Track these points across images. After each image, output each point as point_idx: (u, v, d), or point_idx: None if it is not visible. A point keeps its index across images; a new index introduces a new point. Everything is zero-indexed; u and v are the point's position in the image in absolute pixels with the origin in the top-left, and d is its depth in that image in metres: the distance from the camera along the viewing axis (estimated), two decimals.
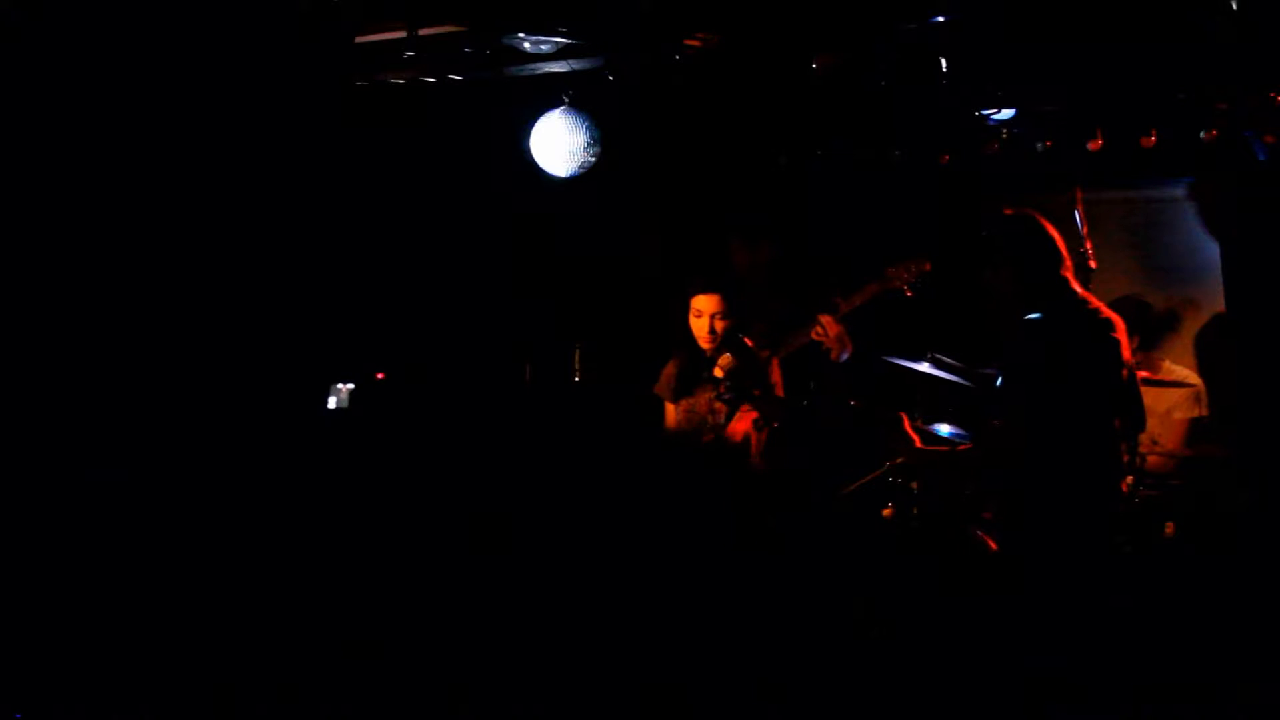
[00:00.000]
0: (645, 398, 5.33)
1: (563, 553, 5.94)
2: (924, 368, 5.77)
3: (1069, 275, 4.17)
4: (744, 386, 4.79)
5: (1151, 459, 5.85)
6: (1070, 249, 4.30)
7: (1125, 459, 5.35)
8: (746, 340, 4.96)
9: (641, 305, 6.46)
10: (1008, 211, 4.28)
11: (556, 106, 5.44)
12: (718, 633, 5.05)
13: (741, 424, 4.91)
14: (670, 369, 5.19)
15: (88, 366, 4.79)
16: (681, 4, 4.83)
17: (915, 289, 5.19)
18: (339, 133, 5.39)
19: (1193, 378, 6.27)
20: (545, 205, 6.21)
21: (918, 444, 4.42)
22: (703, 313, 4.99)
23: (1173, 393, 6.14)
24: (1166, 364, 6.29)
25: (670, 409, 5.19)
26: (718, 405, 4.92)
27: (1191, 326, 6.59)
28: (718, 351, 4.96)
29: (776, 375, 4.98)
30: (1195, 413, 6.18)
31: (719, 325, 4.98)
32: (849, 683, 5.70)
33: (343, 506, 5.61)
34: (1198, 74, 5.28)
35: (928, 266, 5.18)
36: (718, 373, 4.91)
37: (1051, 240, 4.18)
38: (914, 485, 5.87)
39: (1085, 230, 5.59)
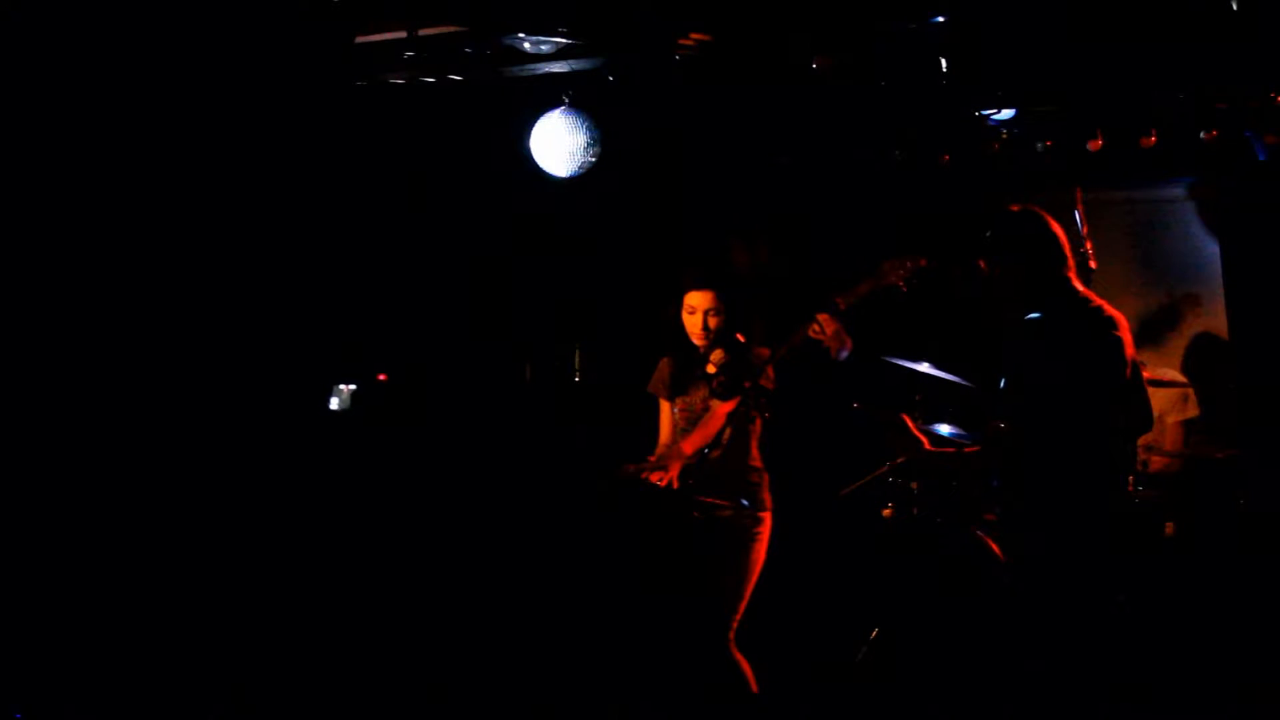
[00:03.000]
0: (646, 396, 5.33)
1: (561, 555, 5.95)
2: (924, 368, 5.77)
3: (1072, 274, 4.16)
4: (736, 381, 4.78)
5: (1155, 460, 5.85)
6: (1071, 249, 4.29)
7: (1130, 459, 5.35)
8: (739, 336, 4.95)
9: (641, 305, 6.46)
10: (1014, 208, 4.26)
11: (556, 106, 5.44)
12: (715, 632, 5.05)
13: (717, 418, 4.89)
14: (664, 367, 5.19)
15: (89, 368, 4.79)
16: (681, 4, 4.83)
17: (912, 285, 5.17)
18: (339, 133, 5.39)
19: (1180, 378, 6.28)
20: (545, 205, 6.21)
21: (926, 445, 4.40)
22: (696, 309, 4.99)
23: (1161, 395, 6.12)
24: (1149, 367, 6.29)
25: (665, 407, 5.19)
26: (712, 402, 4.91)
27: (1193, 324, 6.60)
28: (710, 348, 4.95)
29: (770, 372, 4.98)
30: (1187, 414, 6.18)
31: (712, 321, 4.97)
32: (849, 682, 5.71)
33: (344, 507, 5.62)
34: (1198, 74, 5.28)
35: (924, 263, 5.17)
36: (711, 369, 4.90)
37: (1056, 239, 4.17)
38: (914, 485, 5.88)
39: (1085, 230, 5.58)
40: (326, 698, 5.19)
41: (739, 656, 4.94)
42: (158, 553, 4.92)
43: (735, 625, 4.93)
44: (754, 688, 4.94)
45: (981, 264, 4.69)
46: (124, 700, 4.75)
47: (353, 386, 5.92)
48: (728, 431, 4.92)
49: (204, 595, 5.02)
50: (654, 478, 4.87)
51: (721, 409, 4.87)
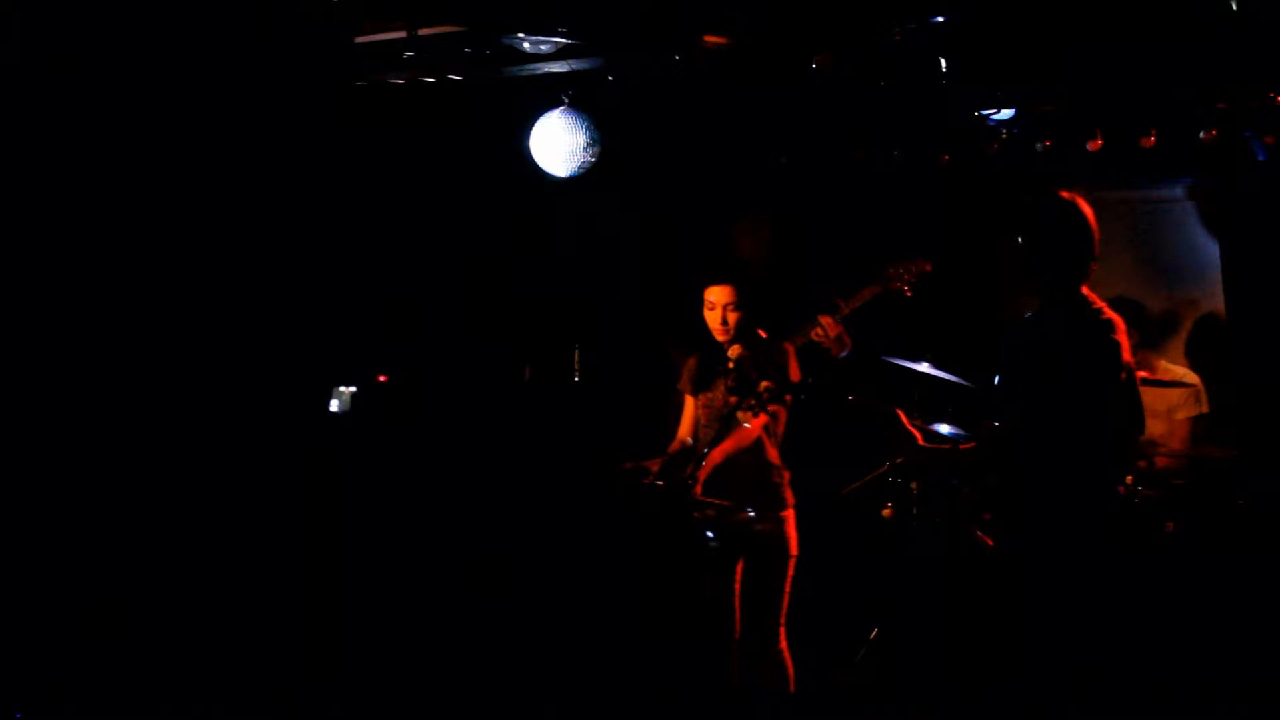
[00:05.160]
0: (647, 395, 5.33)
1: (561, 556, 5.95)
2: (923, 368, 5.76)
3: (1089, 273, 4.16)
4: (749, 379, 4.79)
5: (1158, 459, 5.85)
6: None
7: (1126, 460, 5.34)
8: (760, 331, 4.95)
9: (641, 305, 6.47)
10: (1063, 194, 4.24)
11: (556, 106, 5.44)
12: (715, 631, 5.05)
13: (752, 429, 4.91)
14: (691, 363, 5.21)
15: (89, 370, 4.79)
16: (681, 4, 4.83)
17: (915, 289, 5.18)
18: (339, 133, 5.39)
19: (1190, 376, 6.27)
20: (545, 205, 6.21)
21: (920, 441, 4.40)
22: (715, 304, 5.00)
23: (1172, 392, 6.13)
24: (1163, 364, 6.29)
25: (689, 402, 5.21)
26: (731, 398, 4.92)
27: (1192, 324, 6.59)
28: (730, 343, 4.97)
29: (794, 364, 5.00)
30: (1196, 410, 6.17)
31: (731, 317, 4.98)
32: (850, 682, 5.71)
33: (345, 508, 5.61)
34: (1198, 74, 5.28)
35: (928, 267, 5.17)
36: (730, 364, 4.91)
37: (1093, 234, 4.15)
38: (914, 485, 5.87)
39: None
40: (326, 698, 5.19)
41: (787, 654, 5.00)
42: (158, 554, 4.92)
43: (783, 622, 4.99)
44: (792, 686, 4.99)
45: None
46: (124, 700, 4.75)
47: (353, 388, 5.92)
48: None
49: (205, 596, 5.02)
50: (697, 490, 4.86)
51: (756, 425, 4.88)
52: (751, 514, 4.87)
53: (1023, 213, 4.26)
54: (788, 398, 4.89)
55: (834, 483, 6.03)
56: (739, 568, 5.02)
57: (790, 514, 5.04)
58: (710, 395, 5.11)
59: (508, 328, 6.53)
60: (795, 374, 4.99)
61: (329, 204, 5.50)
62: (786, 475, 5.06)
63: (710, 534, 4.88)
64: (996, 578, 4.76)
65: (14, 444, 4.64)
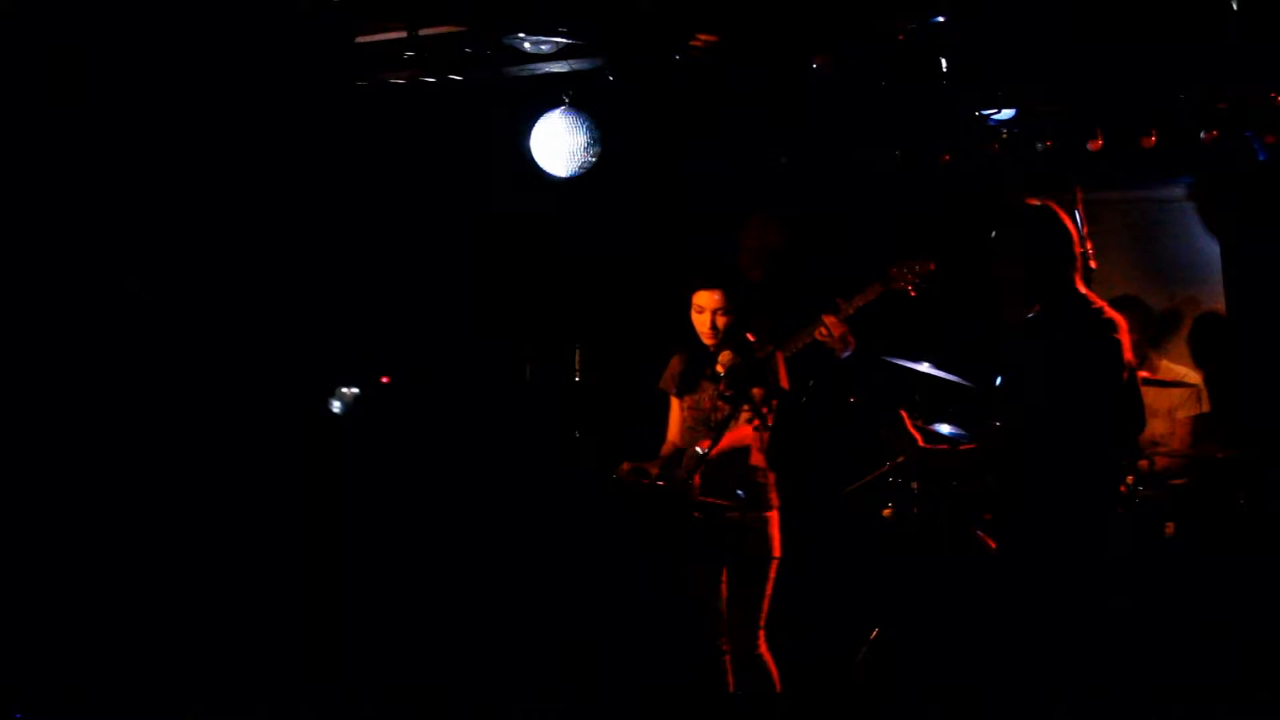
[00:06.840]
0: (647, 396, 5.33)
1: (562, 556, 5.95)
2: (924, 368, 5.77)
3: (1076, 274, 4.17)
4: (744, 386, 4.78)
5: (1159, 459, 5.85)
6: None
7: (1126, 460, 5.35)
8: (749, 336, 4.95)
9: (641, 305, 6.46)
10: (1031, 202, 4.25)
11: (556, 106, 5.44)
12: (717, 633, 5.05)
13: (745, 428, 4.91)
14: (675, 364, 5.20)
15: (87, 370, 4.79)
16: (681, 4, 4.83)
17: (919, 289, 5.18)
18: (339, 133, 5.39)
19: (1192, 376, 6.28)
20: (545, 205, 6.21)
21: (920, 442, 4.40)
22: (704, 308, 5.00)
23: (1173, 392, 6.14)
24: (1165, 363, 6.29)
25: (675, 404, 5.20)
26: (720, 403, 4.92)
27: (1192, 324, 6.60)
28: (720, 348, 4.96)
29: (782, 371, 4.99)
30: (1197, 410, 6.18)
31: (720, 321, 4.98)
32: (850, 682, 5.71)
33: (346, 508, 5.62)
34: (1198, 74, 5.28)
35: (932, 266, 5.17)
36: (720, 369, 4.91)
37: (1069, 236, 4.17)
38: (914, 485, 5.88)
39: (1085, 230, 5.58)
40: (326, 698, 5.19)
41: (768, 657, 4.98)
42: (159, 554, 4.93)
43: (763, 625, 4.97)
44: (778, 687, 4.98)
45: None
46: (125, 700, 4.75)
47: (353, 389, 5.92)
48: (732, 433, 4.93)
49: (206, 596, 5.03)
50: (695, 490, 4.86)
51: (747, 429, 4.88)
52: (739, 512, 4.87)
53: (997, 227, 4.27)
54: (774, 402, 4.89)
55: (833, 483, 6.03)
56: (724, 572, 5.01)
57: (774, 515, 5.02)
58: (695, 398, 5.10)
59: (508, 328, 6.53)
60: (784, 379, 4.98)
61: (329, 204, 5.50)
62: (772, 476, 5.06)
63: (703, 531, 4.89)
64: (996, 578, 4.76)
65: (15, 443, 4.64)
